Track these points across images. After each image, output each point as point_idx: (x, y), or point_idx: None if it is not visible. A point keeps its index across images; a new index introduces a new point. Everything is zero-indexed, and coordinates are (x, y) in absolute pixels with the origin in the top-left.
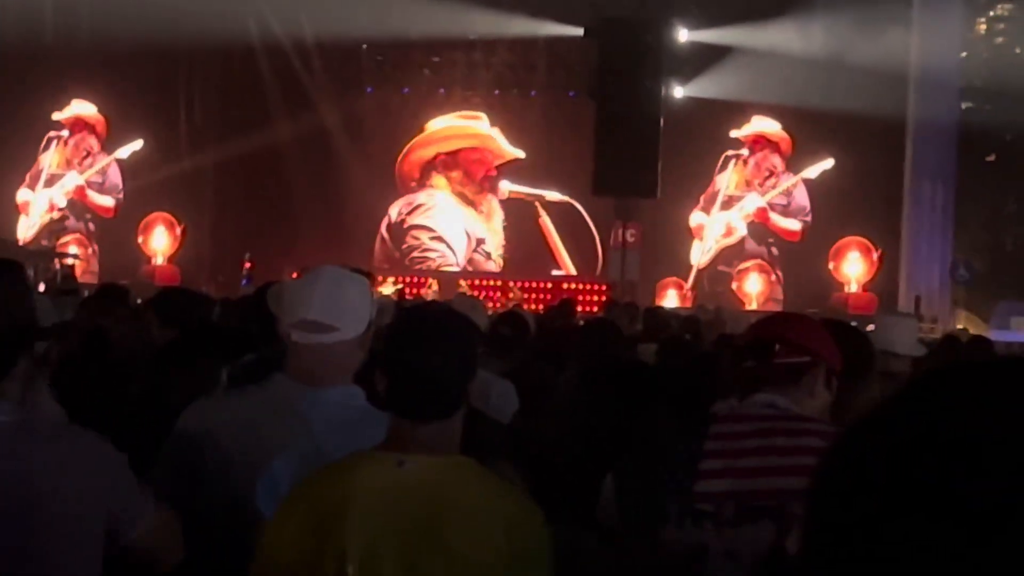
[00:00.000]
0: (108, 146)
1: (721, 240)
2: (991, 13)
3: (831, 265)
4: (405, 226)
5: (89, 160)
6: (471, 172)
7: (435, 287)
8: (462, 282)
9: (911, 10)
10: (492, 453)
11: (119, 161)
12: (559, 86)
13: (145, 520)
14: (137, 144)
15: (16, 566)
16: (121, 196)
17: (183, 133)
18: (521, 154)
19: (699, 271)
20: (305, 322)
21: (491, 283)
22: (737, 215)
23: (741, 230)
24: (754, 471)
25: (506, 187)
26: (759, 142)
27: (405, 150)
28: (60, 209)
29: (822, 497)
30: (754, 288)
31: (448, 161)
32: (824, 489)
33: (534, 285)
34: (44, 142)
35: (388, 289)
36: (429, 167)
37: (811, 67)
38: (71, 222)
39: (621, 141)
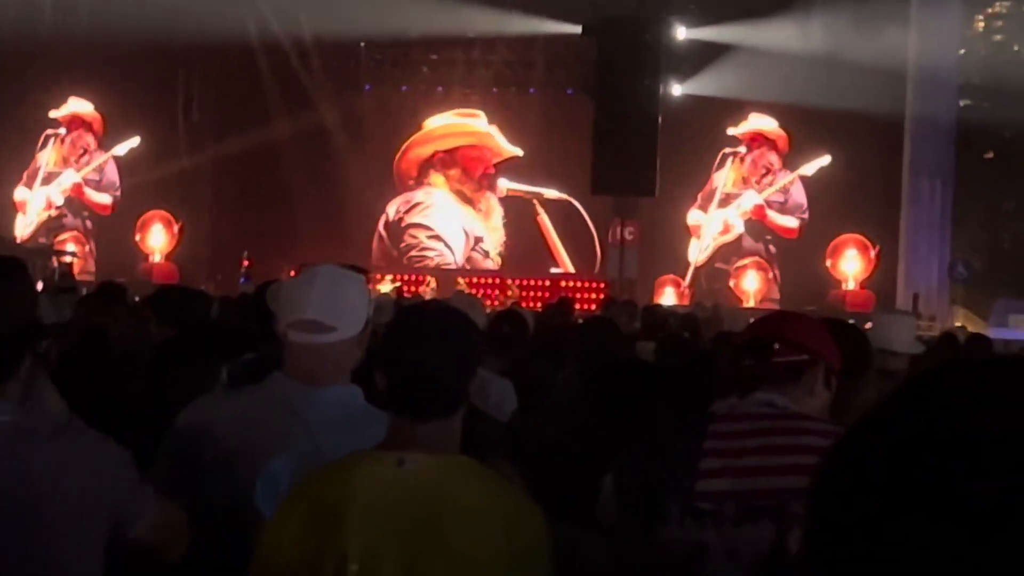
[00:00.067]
0: (105, 144)
1: (719, 238)
2: (989, 10)
3: (828, 263)
4: (403, 225)
5: (86, 158)
6: (469, 170)
7: (433, 285)
8: (460, 280)
9: (909, 8)
10: (491, 451)
11: (116, 159)
12: (557, 84)
13: (147, 517)
14: (134, 141)
15: (17, 565)
16: (118, 194)
17: (181, 131)
18: (519, 152)
19: (697, 269)
20: (303, 322)
21: (489, 281)
22: (734, 213)
23: (738, 228)
24: (754, 470)
25: (504, 185)
26: (757, 140)
27: (403, 148)
28: (58, 207)
29: (823, 497)
30: (751, 285)
31: (446, 159)
32: (825, 489)
33: (532, 283)
34: (41, 140)
35: (386, 287)
36: (427, 165)
37: (809, 65)
38: (68, 219)
39: (619, 139)
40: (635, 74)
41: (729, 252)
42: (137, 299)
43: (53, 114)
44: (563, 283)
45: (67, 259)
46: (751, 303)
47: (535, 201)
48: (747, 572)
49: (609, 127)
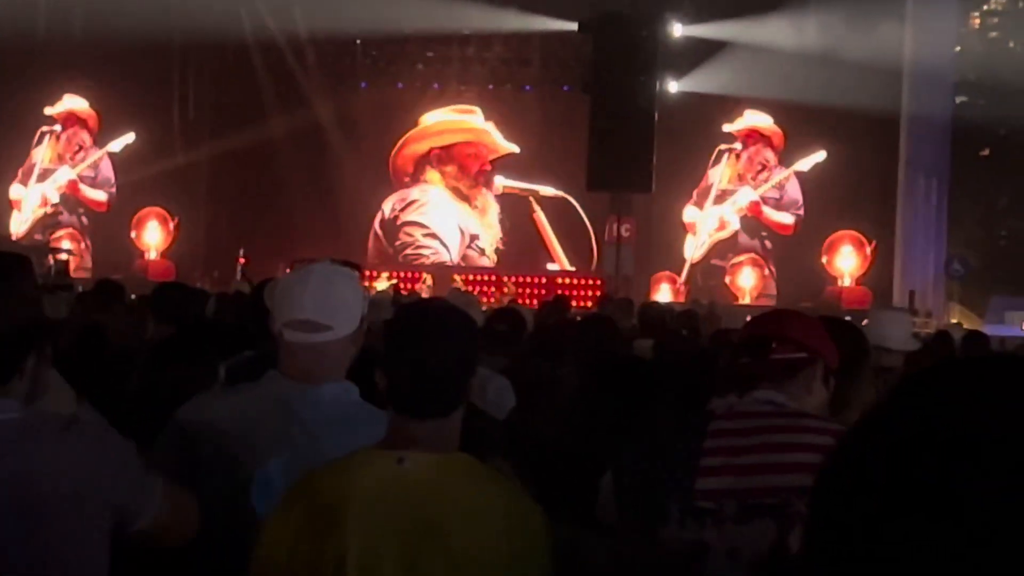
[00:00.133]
0: (100, 141)
1: (714, 234)
2: (985, 7)
3: (824, 259)
4: (398, 223)
5: (81, 155)
6: (465, 166)
7: (429, 282)
8: (456, 277)
9: (905, 4)
10: (490, 450)
11: (112, 155)
12: (553, 81)
13: (152, 508)
14: (129, 137)
15: (21, 564)
16: (114, 190)
17: (176, 128)
18: (515, 149)
19: (692, 265)
20: (298, 322)
21: (485, 278)
22: (730, 209)
23: (734, 224)
24: (754, 468)
25: (500, 182)
26: (752, 136)
27: (399, 144)
28: (53, 204)
29: (825, 496)
30: (747, 282)
31: (442, 155)
32: (827, 488)
33: (528, 280)
34: (36, 137)
35: (382, 284)
36: (423, 161)
37: (805, 62)
38: (64, 216)
39: (616, 136)
40: (631, 71)
41: (725, 249)
42: (133, 296)
43: (48, 111)
44: (559, 280)
45: (63, 256)
46: (747, 300)
47: (531, 198)
48: (747, 571)
49: (605, 124)
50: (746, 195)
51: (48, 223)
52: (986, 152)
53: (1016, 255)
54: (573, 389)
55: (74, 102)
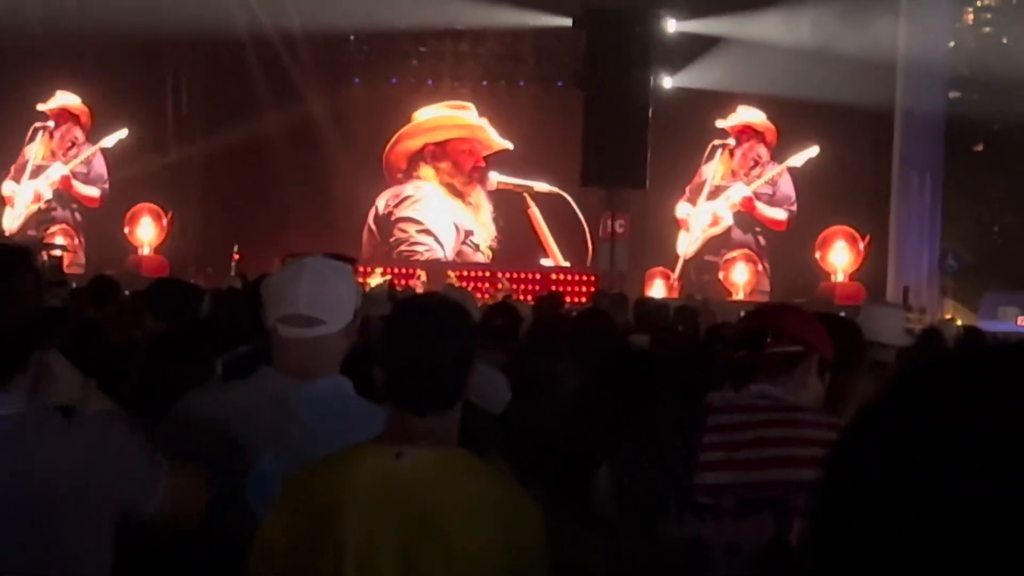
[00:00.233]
0: (93, 137)
1: (708, 230)
2: (979, 3)
3: (818, 254)
4: (392, 219)
5: (74, 151)
6: (459, 163)
7: (423, 278)
8: (450, 273)
9: (899, 0)
10: (488, 446)
11: (104, 152)
12: (547, 77)
13: (158, 495)
14: (122, 133)
15: (26, 556)
16: (107, 186)
17: (170, 124)
18: (510, 145)
19: (686, 261)
20: (292, 317)
21: (479, 274)
22: (723, 205)
23: (727, 220)
24: (752, 463)
25: (495, 178)
26: (745, 132)
27: (393, 140)
28: (46, 200)
29: (824, 491)
30: (741, 278)
31: (436, 151)
32: (826, 482)
33: (523, 276)
34: (29, 133)
35: (376, 280)
36: (417, 157)
37: (799, 57)
38: (57, 212)
39: (609, 132)
40: (625, 67)
41: (718, 244)
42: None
43: (41, 107)
44: (554, 276)
45: (56, 252)
46: (740, 295)
47: (525, 194)
48: (746, 566)
49: (599, 120)
50: (739, 191)
51: (41, 219)
52: (980, 148)
53: (1010, 250)
54: (571, 386)
55: (67, 98)
